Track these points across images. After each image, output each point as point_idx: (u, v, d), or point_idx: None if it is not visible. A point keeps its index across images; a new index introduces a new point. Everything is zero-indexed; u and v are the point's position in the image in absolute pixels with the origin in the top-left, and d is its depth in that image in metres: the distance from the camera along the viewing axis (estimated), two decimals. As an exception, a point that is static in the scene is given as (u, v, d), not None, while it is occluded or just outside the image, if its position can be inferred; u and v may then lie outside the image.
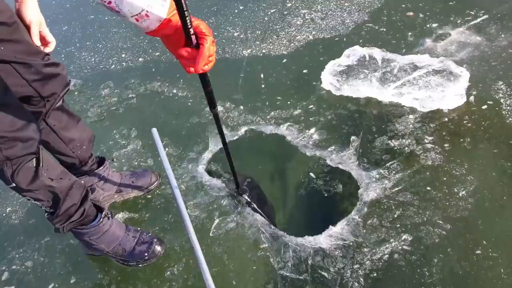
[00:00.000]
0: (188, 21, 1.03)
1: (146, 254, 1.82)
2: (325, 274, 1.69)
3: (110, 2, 0.98)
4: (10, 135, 1.34)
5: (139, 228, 1.90)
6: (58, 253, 2.00)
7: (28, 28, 1.48)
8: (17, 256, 2.02)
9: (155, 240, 1.85)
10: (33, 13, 1.48)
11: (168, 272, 1.80)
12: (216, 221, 1.95)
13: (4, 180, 1.46)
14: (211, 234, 1.90)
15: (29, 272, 1.94)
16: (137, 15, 1.01)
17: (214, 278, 1.44)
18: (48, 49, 1.57)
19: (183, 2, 0.97)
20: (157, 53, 3.11)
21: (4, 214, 2.22)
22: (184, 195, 2.06)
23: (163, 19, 1.04)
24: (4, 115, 1.31)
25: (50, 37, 1.57)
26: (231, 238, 1.89)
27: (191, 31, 1.07)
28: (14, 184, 1.46)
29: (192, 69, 1.15)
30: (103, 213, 1.77)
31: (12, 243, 2.08)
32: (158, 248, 1.84)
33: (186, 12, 1.01)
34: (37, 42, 1.51)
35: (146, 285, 1.79)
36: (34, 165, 1.47)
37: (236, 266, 1.79)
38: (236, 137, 2.33)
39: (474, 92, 2.23)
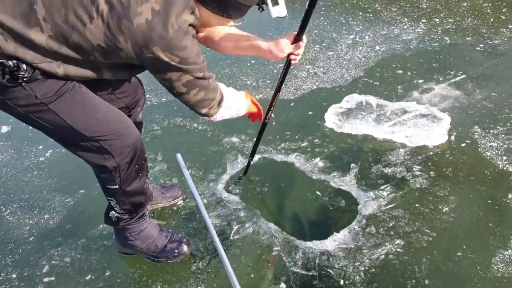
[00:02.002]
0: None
1: (176, 251, 2.09)
2: (330, 271, 1.98)
3: (223, 117, 1.84)
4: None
5: (170, 230, 2.19)
6: (93, 251, 2.26)
7: None
8: (55, 253, 2.27)
9: (184, 240, 2.13)
10: None
11: (194, 267, 2.07)
12: (235, 228, 2.24)
13: (108, 182, 1.78)
14: (231, 238, 2.20)
15: (68, 266, 2.19)
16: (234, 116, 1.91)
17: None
18: None
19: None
20: (179, 95, 3.53)
21: (42, 220, 2.49)
22: (206, 208, 2.36)
23: (245, 113, 2.01)
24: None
25: None
26: (248, 241, 2.18)
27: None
28: (117, 186, 1.79)
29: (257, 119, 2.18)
30: (146, 213, 2.08)
31: (51, 243, 2.33)
32: (185, 247, 2.11)
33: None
34: None
35: (174, 277, 2.05)
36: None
37: (252, 264, 2.07)
38: (251, 163, 2.68)
39: (455, 133, 2.65)
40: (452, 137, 2.62)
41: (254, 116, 2.15)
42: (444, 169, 2.42)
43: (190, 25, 1.49)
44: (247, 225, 2.25)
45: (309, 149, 2.72)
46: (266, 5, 1.67)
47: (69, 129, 1.58)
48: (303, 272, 2.00)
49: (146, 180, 1.94)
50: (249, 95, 2.04)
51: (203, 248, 2.18)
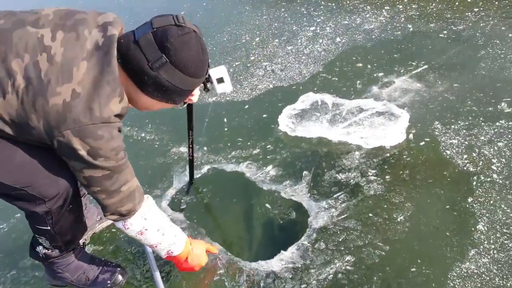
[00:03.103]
0: None
1: (109, 282, 1.91)
2: (276, 295, 1.82)
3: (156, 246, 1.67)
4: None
5: (103, 258, 2.01)
6: (23, 284, 2.07)
7: None
8: (-18, 290, 2.08)
9: (118, 269, 1.95)
10: None
11: (129, 298, 1.90)
12: (177, 250, 2.07)
13: (39, 223, 1.62)
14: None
15: (-6, 304, 2.01)
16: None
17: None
18: None
19: None
20: (129, 102, 3.32)
21: (-29, 252, 2.30)
22: (148, 228, 2.18)
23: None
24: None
25: None
26: (190, 265, 2.00)
27: None
28: (49, 228, 1.62)
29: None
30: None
31: (-22, 278, 2.14)
32: (120, 277, 1.93)
33: None
34: None
35: (107, 311, 1.87)
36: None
37: (193, 291, 1.90)
38: (199, 175, 2.50)
39: (413, 131, 2.48)
40: (411, 136, 2.46)
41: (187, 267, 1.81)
42: (401, 172, 2.26)
43: (117, 115, 1.35)
44: (188, 247, 2.07)
45: (261, 156, 2.54)
46: (212, 83, 1.70)
47: None
48: (247, 298, 1.83)
49: (83, 217, 1.78)
50: (200, 245, 1.83)
51: (140, 275, 2.00)
